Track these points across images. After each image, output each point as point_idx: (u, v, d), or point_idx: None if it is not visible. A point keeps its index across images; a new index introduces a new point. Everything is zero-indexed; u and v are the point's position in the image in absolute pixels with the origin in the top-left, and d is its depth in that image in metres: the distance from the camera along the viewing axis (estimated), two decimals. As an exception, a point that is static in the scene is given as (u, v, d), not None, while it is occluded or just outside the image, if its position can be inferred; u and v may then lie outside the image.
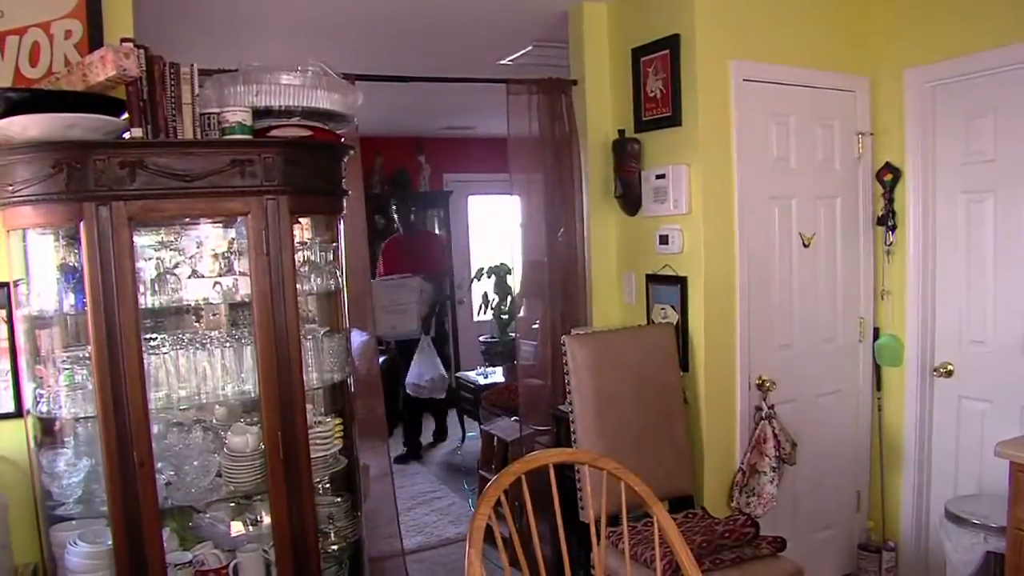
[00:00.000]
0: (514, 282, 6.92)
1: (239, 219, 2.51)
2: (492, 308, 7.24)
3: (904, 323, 3.58)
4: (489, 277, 7.22)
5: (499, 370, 6.16)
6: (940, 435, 3.51)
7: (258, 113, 2.47)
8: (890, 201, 3.58)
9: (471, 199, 8.61)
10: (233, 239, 2.62)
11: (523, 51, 4.46)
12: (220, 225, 2.63)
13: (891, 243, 3.60)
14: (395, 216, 7.52)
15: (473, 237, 8.70)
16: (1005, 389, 3.21)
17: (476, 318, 8.02)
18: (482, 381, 5.99)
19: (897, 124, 3.53)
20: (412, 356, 6.30)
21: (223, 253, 2.61)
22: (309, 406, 2.59)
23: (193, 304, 2.62)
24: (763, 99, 3.36)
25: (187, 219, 2.52)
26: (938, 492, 3.47)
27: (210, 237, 2.64)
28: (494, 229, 8.47)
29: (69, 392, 2.38)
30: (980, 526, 2.80)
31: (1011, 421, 3.11)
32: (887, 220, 3.59)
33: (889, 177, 3.57)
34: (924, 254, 3.49)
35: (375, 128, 6.64)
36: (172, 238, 2.57)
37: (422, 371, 6.22)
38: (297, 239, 2.57)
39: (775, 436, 3.26)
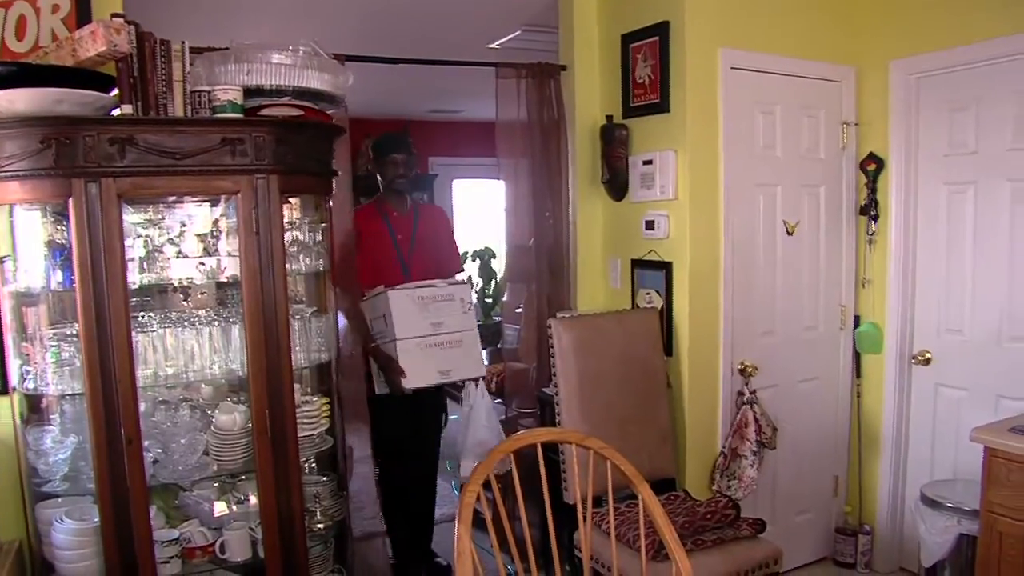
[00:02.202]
0: (498, 266, 6.97)
1: (225, 198, 2.50)
2: (476, 292, 7.28)
3: (884, 311, 3.64)
4: (473, 261, 7.25)
5: (483, 353, 6.15)
6: (917, 421, 3.58)
7: (249, 92, 2.46)
8: (873, 191, 3.63)
9: (456, 183, 8.60)
10: (218, 219, 2.62)
11: (511, 35, 4.46)
12: (208, 204, 2.63)
13: (873, 232, 3.65)
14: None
15: (458, 221, 8.70)
16: (981, 377, 3.28)
17: (460, 302, 8.04)
18: (465, 364, 5.97)
19: (881, 115, 3.58)
20: (425, 418, 3.74)
21: (211, 232, 2.60)
22: (296, 385, 2.59)
23: (181, 283, 2.61)
24: (750, 87, 3.39)
25: (176, 197, 2.51)
26: (914, 477, 3.54)
27: (198, 216, 2.63)
28: (479, 213, 8.48)
29: (56, 369, 2.37)
30: (954, 509, 2.87)
31: (986, 408, 3.18)
32: (870, 210, 3.63)
33: (872, 167, 3.62)
34: (905, 244, 3.54)
35: (362, 110, 6.60)
36: (160, 216, 2.56)
37: (482, 439, 3.58)
38: (286, 219, 2.57)
39: (756, 421, 3.31)
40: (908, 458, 3.61)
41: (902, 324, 3.58)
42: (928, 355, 3.49)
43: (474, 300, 3.62)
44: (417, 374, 3.30)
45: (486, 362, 3.81)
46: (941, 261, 3.44)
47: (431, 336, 3.35)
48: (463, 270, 4.18)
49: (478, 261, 7.19)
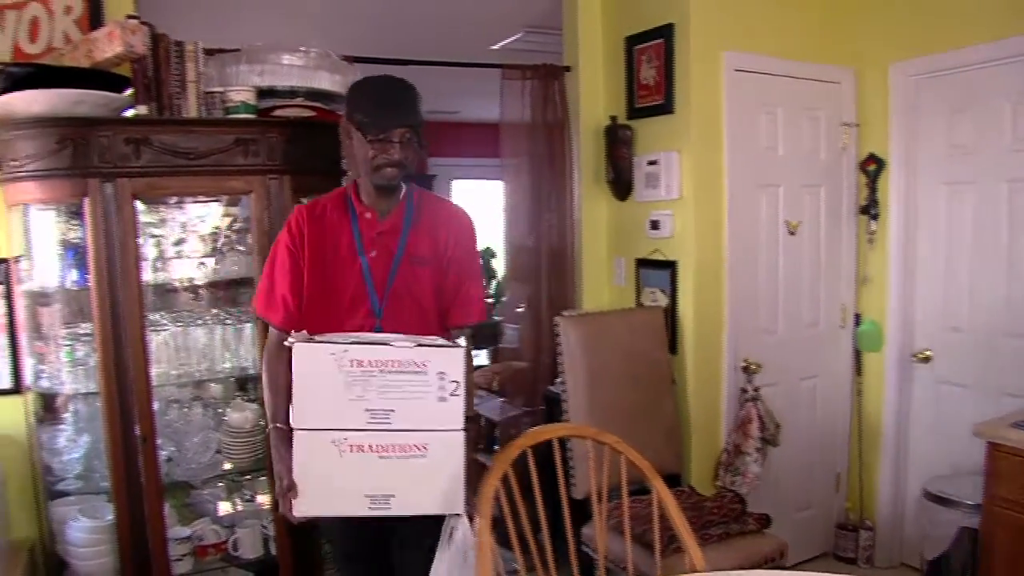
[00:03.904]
0: (499, 266, 7.00)
1: (236, 198, 2.53)
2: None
3: (885, 310, 3.67)
4: (474, 261, 7.27)
5: (483, 352, 6.18)
6: (917, 418, 3.61)
7: (261, 93, 2.49)
8: (873, 191, 3.66)
9: (455, 183, 8.62)
10: (229, 219, 2.64)
11: (514, 37, 4.49)
12: (218, 203, 2.65)
13: (873, 231, 3.68)
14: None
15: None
16: (981, 374, 3.32)
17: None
18: (466, 364, 5.97)
19: (881, 116, 3.61)
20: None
21: (223, 231, 2.63)
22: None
23: (191, 282, 2.64)
24: (753, 89, 3.42)
25: (190, 197, 2.53)
26: (914, 473, 3.57)
27: (209, 215, 2.65)
28: (479, 214, 8.50)
29: (70, 368, 2.40)
30: (957, 504, 2.90)
31: (987, 404, 3.20)
32: (870, 209, 3.67)
33: (873, 167, 3.66)
34: (905, 243, 3.58)
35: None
36: (171, 216, 2.58)
37: None
38: (297, 219, 2.59)
39: (759, 418, 3.34)
40: (909, 454, 3.65)
41: (902, 322, 3.61)
42: (928, 353, 3.53)
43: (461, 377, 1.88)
44: (320, 495, 1.83)
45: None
46: (940, 260, 3.48)
47: (363, 431, 1.81)
48: (481, 323, 2.20)
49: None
